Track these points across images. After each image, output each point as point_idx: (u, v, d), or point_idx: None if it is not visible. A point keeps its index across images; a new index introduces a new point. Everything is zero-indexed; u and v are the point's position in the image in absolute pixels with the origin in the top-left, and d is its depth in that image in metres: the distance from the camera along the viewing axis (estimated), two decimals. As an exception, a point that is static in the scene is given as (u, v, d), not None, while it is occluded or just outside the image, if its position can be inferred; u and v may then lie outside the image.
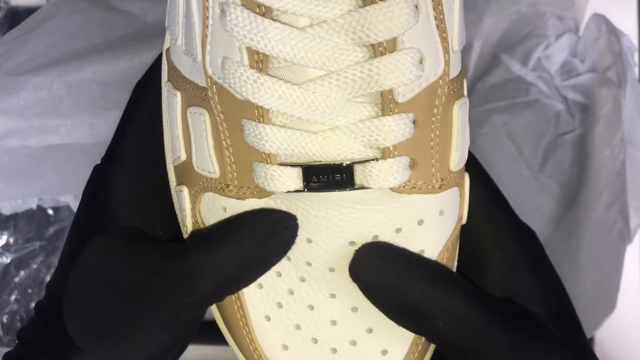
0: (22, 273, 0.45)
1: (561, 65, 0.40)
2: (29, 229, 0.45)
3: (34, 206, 0.41)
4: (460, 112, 0.22)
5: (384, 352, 0.23)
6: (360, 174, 0.20)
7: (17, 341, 0.25)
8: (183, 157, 0.23)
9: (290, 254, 0.22)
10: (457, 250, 0.24)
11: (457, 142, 0.22)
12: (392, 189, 0.21)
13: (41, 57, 0.34)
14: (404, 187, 0.21)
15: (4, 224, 0.45)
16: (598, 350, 0.39)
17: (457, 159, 0.22)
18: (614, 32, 0.38)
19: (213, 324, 0.28)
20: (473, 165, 0.25)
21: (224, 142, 0.21)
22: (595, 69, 0.40)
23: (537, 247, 0.25)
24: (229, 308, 0.24)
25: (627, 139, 0.37)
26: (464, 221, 0.24)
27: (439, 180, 0.21)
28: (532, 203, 0.40)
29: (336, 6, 0.18)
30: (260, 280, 0.23)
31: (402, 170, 0.20)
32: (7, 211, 0.41)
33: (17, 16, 0.42)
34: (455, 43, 0.21)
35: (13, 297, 0.45)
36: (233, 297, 0.23)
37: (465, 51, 0.41)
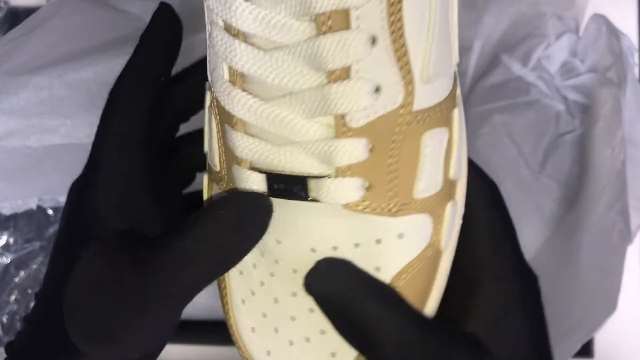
0: (22, 273, 0.45)
1: (561, 65, 0.40)
2: (29, 229, 0.45)
3: (34, 206, 0.41)
4: (431, 142, 0.22)
5: (333, 355, 0.24)
6: (314, 188, 0.22)
7: (7, 356, 0.25)
8: (207, 149, 0.25)
9: (263, 250, 0.24)
10: (437, 275, 0.25)
11: (424, 171, 0.22)
12: (345, 206, 0.22)
13: (41, 57, 0.34)
14: (357, 206, 0.22)
15: (4, 224, 0.45)
16: (598, 350, 0.39)
17: (422, 187, 0.23)
18: (614, 32, 0.38)
19: (209, 324, 0.28)
20: (490, 193, 0.26)
21: (219, 142, 0.23)
22: (595, 69, 0.40)
23: (535, 293, 0.25)
24: (220, 288, 0.26)
25: (627, 139, 0.36)
26: (443, 249, 0.24)
27: (397, 205, 0.22)
28: (532, 203, 0.40)
29: (296, 34, 0.20)
30: (240, 267, 0.25)
31: (354, 190, 0.21)
32: (7, 211, 0.41)
33: (17, 16, 0.42)
34: (426, 74, 0.21)
35: (13, 297, 0.45)
36: (222, 278, 0.26)
37: (465, 51, 0.41)
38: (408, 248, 0.23)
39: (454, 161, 0.24)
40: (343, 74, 0.20)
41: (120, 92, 0.26)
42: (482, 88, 0.41)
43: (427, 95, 0.22)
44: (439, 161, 0.23)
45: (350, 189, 0.21)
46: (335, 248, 0.23)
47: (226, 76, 0.21)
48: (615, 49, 0.38)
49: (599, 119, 0.39)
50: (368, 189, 0.22)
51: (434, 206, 0.23)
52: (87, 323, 0.23)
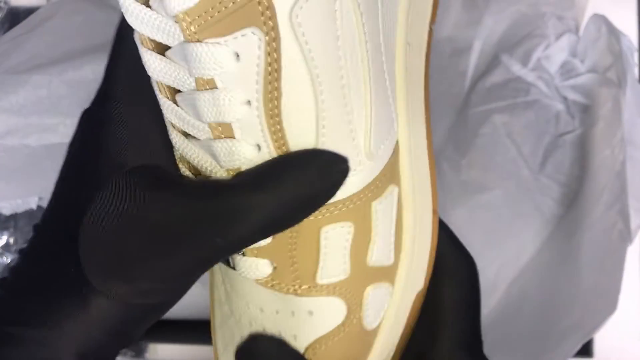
0: (22, 273, 0.45)
1: (561, 66, 0.40)
2: (29, 229, 0.45)
3: (34, 206, 0.41)
4: (330, 235, 0.24)
5: None
6: (233, 261, 0.25)
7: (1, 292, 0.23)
8: None
9: (224, 294, 0.27)
10: (372, 350, 0.27)
11: (324, 261, 0.24)
12: (256, 281, 0.25)
13: (41, 56, 0.34)
14: (266, 282, 0.24)
15: (4, 224, 0.45)
16: (598, 350, 0.39)
17: (324, 274, 0.24)
18: (614, 32, 0.38)
19: (207, 324, 0.29)
20: (462, 274, 0.28)
21: None
22: (595, 69, 0.40)
23: None
24: (210, 310, 0.29)
25: (627, 139, 0.36)
26: (367, 327, 0.26)
27: (301, 286, 0.25)
28: (532, 203, 0.40)
29: (202, 132, 0.22)
30: (218, 298, 0.28)
31: (262, 268, 0.24)
32: (7, 211, 0.41)
33: (17, 16, 0.42)
34: None
35: (13, 297, 0.45)
36: (212, 301, 0.29)
37: (465, 51, 0.41)
38: (319, 324, 0.25)
39: (375, 250, 0.25)
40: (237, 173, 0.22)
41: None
42: (482, 88, 0.41)
43: None
44: (344, 252, 0.24)
45: (258, 267, 0.24)
46: (262, 310, 0.26)
47: (177, 154, 0.24)
48: (615, 49, 0.38)
49: (599, 119, 0.39)
50: (275, 269, 0.24)
51: (345, 291, 0.25)
52: (108, 257, 0.21)
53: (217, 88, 0.21)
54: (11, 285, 0.23)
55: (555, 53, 0.40)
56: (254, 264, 0.24)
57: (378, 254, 0.25)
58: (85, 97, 0.34)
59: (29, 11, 0.40)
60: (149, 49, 0.21)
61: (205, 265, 0.22)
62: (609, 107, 0.38)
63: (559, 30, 0.40)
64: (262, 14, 0.20)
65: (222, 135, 0.22)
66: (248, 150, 0.21)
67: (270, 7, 0.20)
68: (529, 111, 0.40)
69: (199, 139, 0.22)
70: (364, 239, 0.25)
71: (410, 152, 0.27)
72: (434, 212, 0.28)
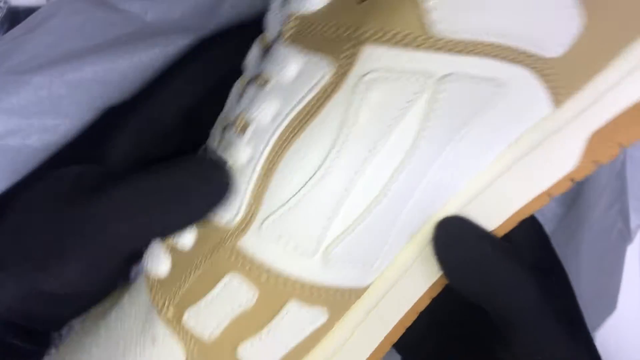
0: (22, 273, 0.45)
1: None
2: (29, 228, 0.45)
3: (34, 206, 0.41)
4: (232, 285, 0.22)
5: None
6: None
7: None
8: None
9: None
10: None
11: (206, 302, 0.23)
12: (145, 278, 0.24)
13: (41, 56, 0.34)
14: (151, 283, 0.24)
15: (4, 223, 0.45)
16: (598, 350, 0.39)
17: (194, 313, 0.23)
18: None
19: None
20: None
21: None
22: (595, 69, 0.40)
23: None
24: None
25: (627, 139, 0.36)
26: None
27: (169, 309, 0.23)
28: (532, 203, 0.40)
29: (229, 119, 0.24)
30: None
31: (159, 262, 0.23)
32: (7, 211, 0.41)
33: (17, 16, 0.42)
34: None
35: (13, 297, 0.45)
36: None
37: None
38: None
39: (255, 343, 0.23)
40: None
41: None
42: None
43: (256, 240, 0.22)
44: (230, 312, 0.22)
45: (158, 259, 0.23)
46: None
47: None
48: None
49: (599, 119, 0.39)
50: (168, 275, 0.23)
51: (198, 357, 0.23)
52: (15, 242, 0.23)
53: (265, 89, 0.21)
54: None
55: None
56: (157, 254, 0.23)
57: (255, 350, 0.22)
58: (85, 98, 0.34)
59: (29, 11, 0.40)
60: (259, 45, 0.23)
61: (82, 266, 0.23)
62: (609, 107, 0.38)
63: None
64: (344, 57, 0.20)
65: (237, 130, 0.22)
66: (241, 154, 0.22)
67: (353, 58, 0.20)
68: (529, 111, 0.40)
69: (223, 125, 0.23)
70: (255, 322, 0.22)
71: (364, 325, 0.24)
72: None
